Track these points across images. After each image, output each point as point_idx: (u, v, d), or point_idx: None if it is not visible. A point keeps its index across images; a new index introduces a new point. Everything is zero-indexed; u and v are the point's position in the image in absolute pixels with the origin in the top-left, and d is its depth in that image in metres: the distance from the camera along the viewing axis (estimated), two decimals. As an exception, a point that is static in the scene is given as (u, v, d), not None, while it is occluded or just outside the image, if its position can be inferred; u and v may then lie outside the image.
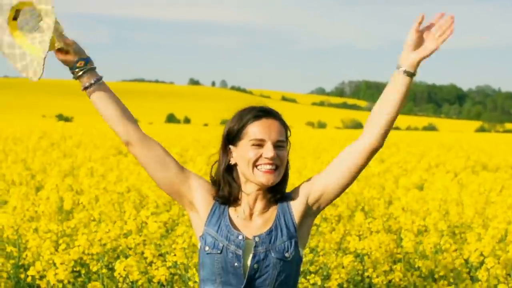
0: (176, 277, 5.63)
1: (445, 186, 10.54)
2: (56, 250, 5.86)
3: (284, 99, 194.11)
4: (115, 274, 5.21)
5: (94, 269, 5.73)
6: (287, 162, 2.83)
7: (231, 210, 2.80)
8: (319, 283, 5.71)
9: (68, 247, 5.90)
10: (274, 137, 2.75)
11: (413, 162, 17.38)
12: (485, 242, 6.42)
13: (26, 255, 5.97)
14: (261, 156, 2.73)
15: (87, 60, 2.78)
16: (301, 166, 13.57)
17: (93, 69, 2.79)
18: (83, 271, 5.92)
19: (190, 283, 5.36)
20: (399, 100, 2.70)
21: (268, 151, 2.72)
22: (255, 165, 2.73)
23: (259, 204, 2.79)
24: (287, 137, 2.83)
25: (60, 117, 74.05)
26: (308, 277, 5.86)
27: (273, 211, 2.79)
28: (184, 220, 7.23)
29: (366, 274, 6.12)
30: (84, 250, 5.67)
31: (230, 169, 2.82)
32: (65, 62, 2.78)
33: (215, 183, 2.84)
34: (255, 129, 2.76)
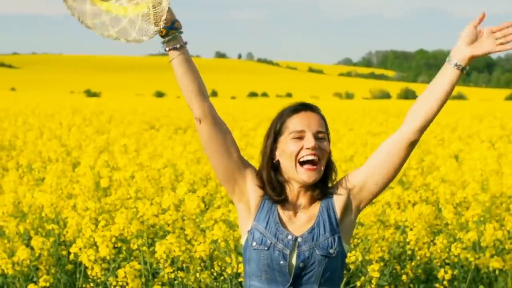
0: (216, 252, 5.61)
1: (483, 156, 10.41)
2: (96, 227, 5.87)
3: (311, 70, 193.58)
4: (156, 255, 5.20)
5: (134, 247, 5.73)
6: (330, 158, 2.79)
7: (279, 206, 2.77)
8: (360, 258, 5.66)
9: (108, 224, 5.90)
10: (314, 127, 2.73)
11: (447, 132, 17.23)
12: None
13: (67, 232, 5.99)
14: (302, 147, 2.71)
15: (176, 26, 2.68)
16: (335, 138, 13.49)
17: (181, 33, 2.70)
18: (123, 247, 5.92)
19: (234, 264, 5.34)
20: (445, 93, 2.64)
21: (309, 141, 2.70)
22: (297, 159, 2.71)
23: (302, 200, 2.77)
24: (327, 131, 2.80)
25: (88, 93, 74.44)
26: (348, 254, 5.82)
27: (316, 206, 2.77)
28: (222, 195, 7.20)
29: (407, 247, 6.05)
30: (123, 228, 5.67)
31: (276, 168, 2.79)
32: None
33: (269, 184, 2.78)
34: (294, 122, 2.74)
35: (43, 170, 8.84)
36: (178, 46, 2.67)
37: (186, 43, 2.69)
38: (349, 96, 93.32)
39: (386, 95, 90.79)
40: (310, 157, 2.69)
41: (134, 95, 77.17)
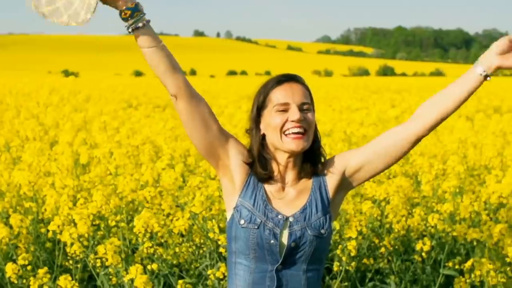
0: (194, 227, 5.61)
1: (461, 129, 10.50)
2: (74, 205, 5.84)
3: (289, 48, 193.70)
4: (135, 230, 5.18)
5: (112, 223, 5.72)
6: (316, 129, 2.75)
7: (265, 182, 2.72)
8: (337, 227, 5.68)
9: (86, 201, 5.88)
10: (298, 99, 2.66)
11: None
12: (505, 183, 6.38)
13: (45, 210, 5.97)
14: (287, 120, 2.64)
15: (137, 5, 2.58)
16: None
17: (143, 14, 2.59)
18: (102, 225, 5.90)
19: (211, 234, 5.34)
20: (463, 97, 2.58)
21: (294, 113, 2.63)
22: (282, 131, 2.65)
23: (290, 174, 2.72)
24: (312, 102, 2.73)
25: (66, 73, 73.99)
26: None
27: (307, 183, 2.73)
28: (200, 171, 7.21)
29: (385, 220, 6.08)
30: (101, 205, 5.64)
31: (262, 143, 2.74)
32: (114, 5, 2.58)
33: (259, 162, 2.72)
34: (277, 94, 2.67)
35: (20, 149, 8.78)
36: (141, 25, 2.57)
37: (149, 21, 2.60)
38: (328, 73, 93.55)
39: (364, 72, 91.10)
40: (296, 130, 2.64)
41: (113, 75, 76.84)
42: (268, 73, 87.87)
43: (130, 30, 2.57)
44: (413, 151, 8.26)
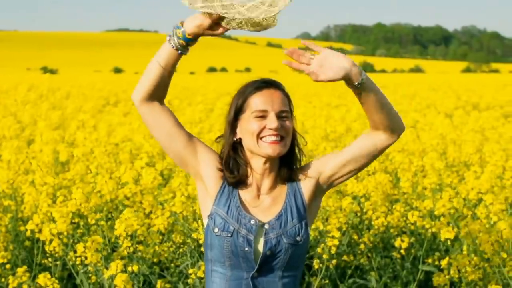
0: (176, 226, 5.60)
1: (440, 126, 10.54)
2: (54, 202, 5.81)
3: (269, 45, 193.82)
4: (116, 233, 5.15)
5: (92, 221, 5.69)
6: (295, 136, 2.73)
7: (240, 189, 2.71)
8: (321, 227, 5.68)
9: (66, 199, 5.85)
10: (277, 107, 2.64)
11: (405, 104, 17.39)
12: (483, 179, 6.42)
13: (24, 208, 5.92)
14: (265, 127, 2.63)
15: (193, 41, 2.65)
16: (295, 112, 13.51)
17: (186, 51, 2.67)
18: (81, 223, 5.87)
19: (194, 235, 5.33)
20: (369, 109, 2.59)
21: (272, 122, 2.62)
22: (259, 137, 2.64)
23: (266, 181, 2.71)
24: (291, 109, 2.72)
25: (45, 70, 73.53)
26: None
27: (282, 189, 2.72)
28: (180, 169, 7.19)
29: (365, 216, 6.10)
30: (81, 203, 5.61)
31: (236, 147, 2.72)
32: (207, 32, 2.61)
33: (226, 165, 2.72)
34: (256, 100, 2.65)
35: (-2, 147, 8.72)
36: (186, 53, 2.64)
37: (182, 54, 2.65)
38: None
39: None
40: (273, 138, 2.62)
41: (92, 72, 76.51)
42: (248, 69, 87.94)
43: (168, 40, 2.59)
44: (391, 148, 8.29)
